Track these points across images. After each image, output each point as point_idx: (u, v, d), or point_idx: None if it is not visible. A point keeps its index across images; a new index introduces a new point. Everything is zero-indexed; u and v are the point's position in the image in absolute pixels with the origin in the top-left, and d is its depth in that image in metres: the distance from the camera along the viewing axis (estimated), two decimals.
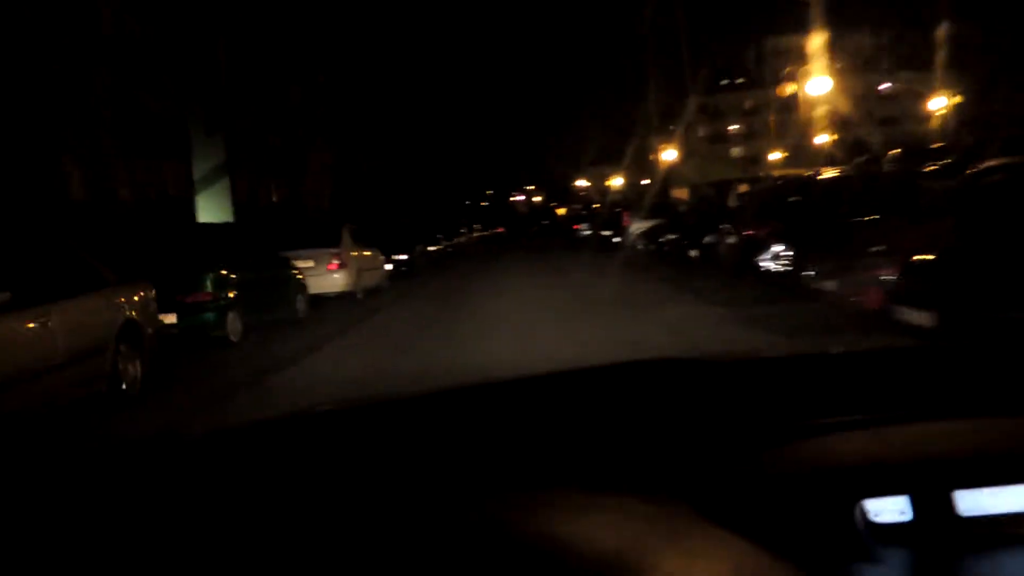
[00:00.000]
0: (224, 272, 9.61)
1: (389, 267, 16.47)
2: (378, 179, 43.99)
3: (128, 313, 6.78)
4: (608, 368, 1.27)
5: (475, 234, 44.03)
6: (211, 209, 29.51)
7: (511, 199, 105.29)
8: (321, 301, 13.24)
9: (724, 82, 78.82)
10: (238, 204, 30.38)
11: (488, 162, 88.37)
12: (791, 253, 9.78)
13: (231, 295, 9.51)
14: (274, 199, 37.13)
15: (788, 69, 20.86)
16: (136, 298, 7.07)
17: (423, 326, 10.88)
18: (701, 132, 63.66)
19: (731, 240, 11.68)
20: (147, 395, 6.81)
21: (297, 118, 37.74)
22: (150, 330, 7.15)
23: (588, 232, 30.27)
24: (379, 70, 47.91)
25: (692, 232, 14.80)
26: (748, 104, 79.43)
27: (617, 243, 23.41)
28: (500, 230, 66.03)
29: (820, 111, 23.63)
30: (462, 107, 74.20)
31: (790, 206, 10.33)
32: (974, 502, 0.89)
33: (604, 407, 1.16)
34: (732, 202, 15.15)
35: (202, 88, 28.22)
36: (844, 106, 26.69)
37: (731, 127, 77.14)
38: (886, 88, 63.82)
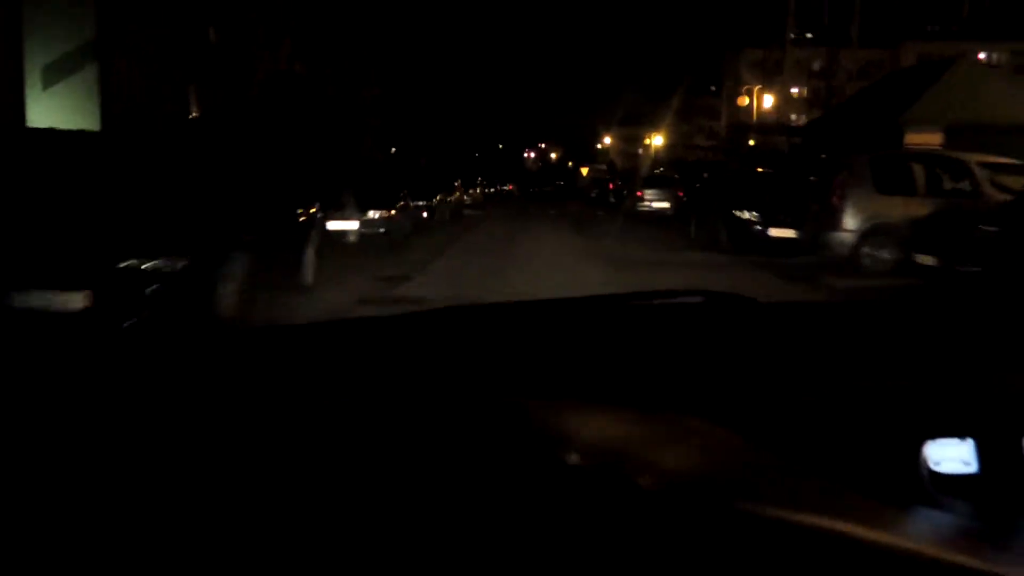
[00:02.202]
0: None
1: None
2: (344, 103, 32.04)
3: None
4: (641, 295, 1.35)
5: (475, 191, 31.91)
6: (60, 112, 17.84)
7: (524, 155, 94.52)
8: None
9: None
10: (115, 107, 19.01)
11: (496, 112, 75.88)
12: None
13: None
14: (193, 112, 25.13)
15: None
16: None
17: None
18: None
19: None
20: None
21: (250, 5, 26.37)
22: None
23: (662, 205, 17.80)
24: None
25: None
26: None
27: (819, 251, 9.76)
28: (510, 188, 56.02)
29: None
30: (466, 41, 63.87)
31: None
32: None
33: (639, 333, 1.19)
34: None
35: None
36: None
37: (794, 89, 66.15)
38: None
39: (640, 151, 71.21)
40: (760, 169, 13.22)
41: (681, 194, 20.32)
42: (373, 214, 11.94)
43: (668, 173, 25.36)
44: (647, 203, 20.72)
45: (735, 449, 0.78)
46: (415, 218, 15.75)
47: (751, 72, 60.96)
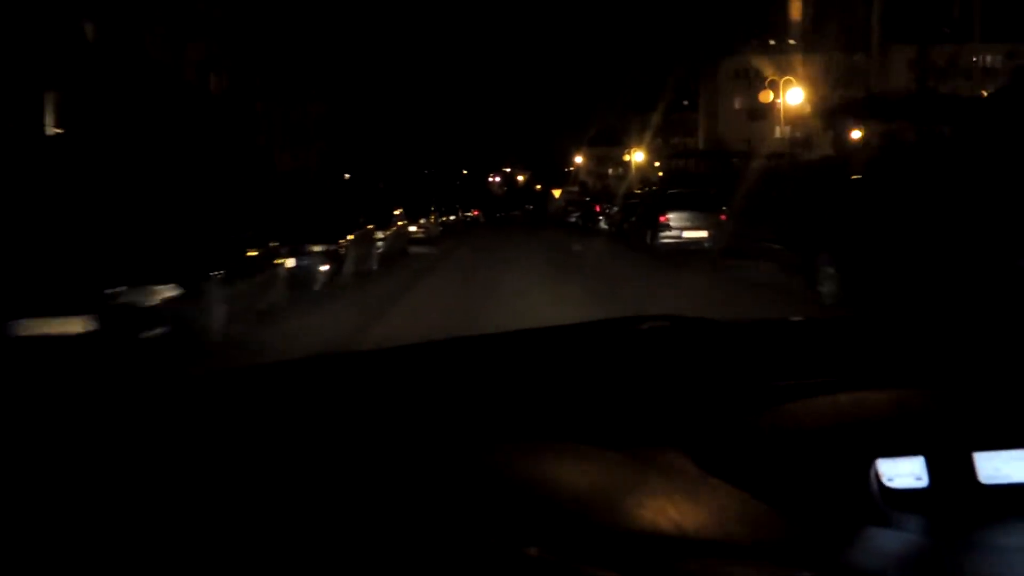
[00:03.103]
0: None
1: None
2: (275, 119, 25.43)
3: None
4: (607, 323, 1.35)
5: (428, 221, 25.28)
6: None
7: (489, 179, 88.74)
8: None
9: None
10: None
11: (458, 133, 69.34)
12: None
13: None
14: (53, 126, 18.66)
15: None
16: None
17: None
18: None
19: None
20: None
21: None
22: None
23: (697, 234, 11.21)
24: None
25: None
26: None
27: None
28: (475, 214, 50.81)
29: None
30: (424, 58, 58.71)
31: None
32: (996, 469, 0.82)
33: (600, 362, 1.18)
34: None
35: None
36: None
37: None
38: None
39: (610, 171, 65.71)
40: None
41: (724, 217, 13.69)
42: (135, 295, 4.88)
43: (658, 189, 18.98)
44: (675, 232, 13.85)
45: (691, 479, 0.78)
46: (299, 280, 8.75)
47: (732, 82, 55.77)
